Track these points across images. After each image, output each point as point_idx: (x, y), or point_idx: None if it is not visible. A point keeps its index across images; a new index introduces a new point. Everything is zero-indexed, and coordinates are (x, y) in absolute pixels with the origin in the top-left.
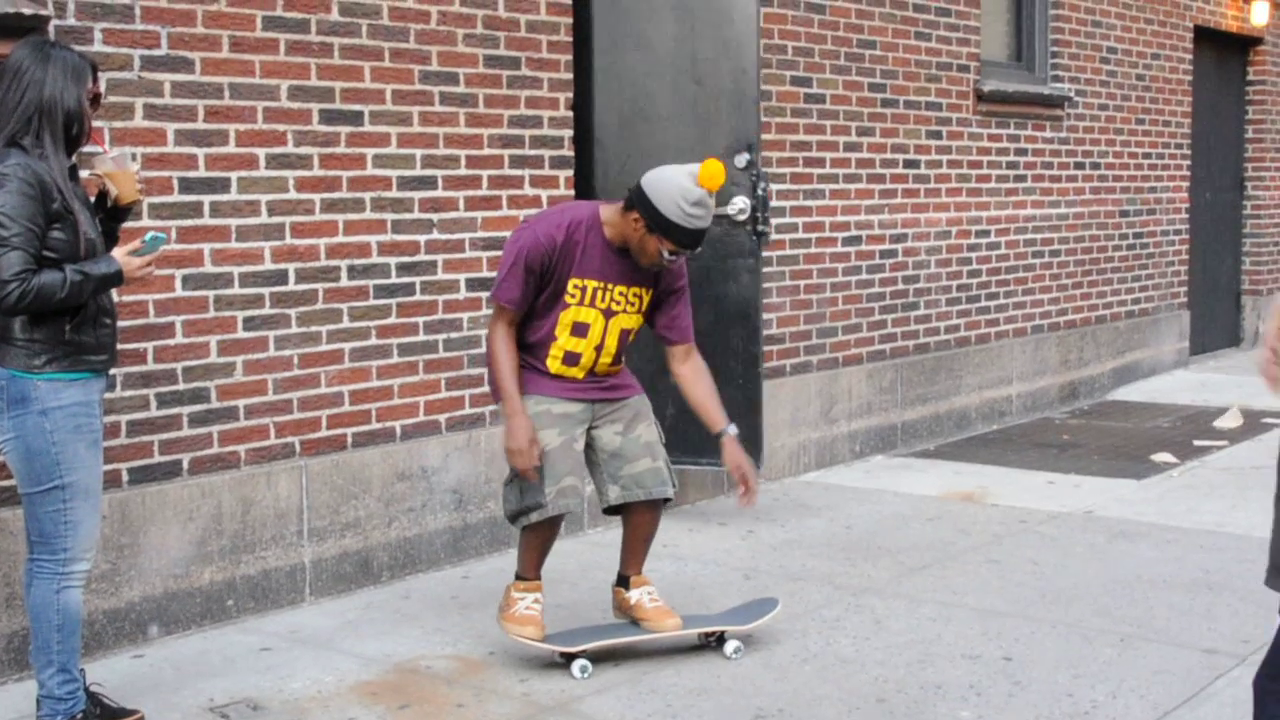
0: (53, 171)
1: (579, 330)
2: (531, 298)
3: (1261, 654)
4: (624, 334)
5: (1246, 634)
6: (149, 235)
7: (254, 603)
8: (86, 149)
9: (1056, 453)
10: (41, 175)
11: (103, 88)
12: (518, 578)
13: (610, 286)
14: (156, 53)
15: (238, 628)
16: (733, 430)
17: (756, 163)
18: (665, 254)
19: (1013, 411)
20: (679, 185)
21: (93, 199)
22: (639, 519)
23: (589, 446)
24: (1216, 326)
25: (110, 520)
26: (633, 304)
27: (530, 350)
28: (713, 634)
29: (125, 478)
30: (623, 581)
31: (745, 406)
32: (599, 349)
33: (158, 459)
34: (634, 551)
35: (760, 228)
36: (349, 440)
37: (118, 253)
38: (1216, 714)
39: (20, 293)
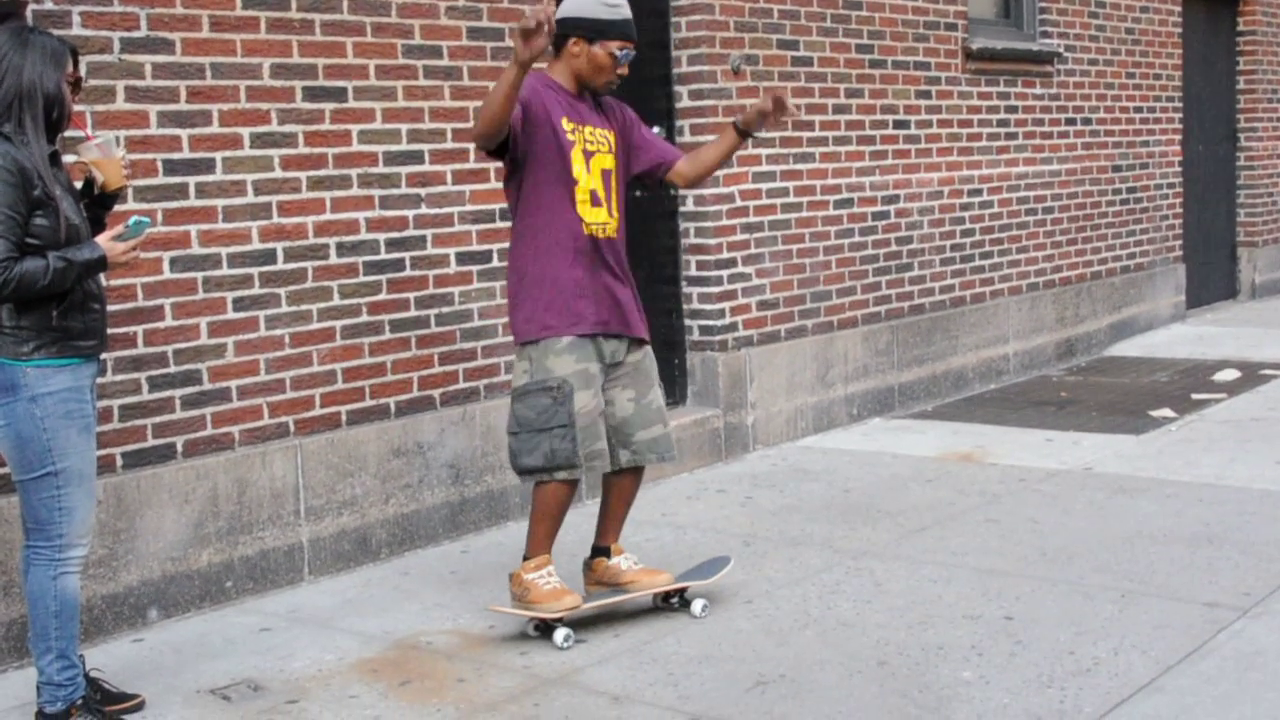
0: (34, 158)
1: (588, 165)
2: (516, 159)
3: (1263, 606)
4: (605, 175)
5: (1248, 586)
6: (132, 220)
7: (253, 583)
8: (70, 134)
9: (1055, 410)
10: (22, 162)
11: (83, 72)
12: (525, 558)
13: (583, 127)
14: (136, 34)
15: (237, 609)
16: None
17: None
18: (616, 54)
19: (1010, 370)
20: None
21: (79, 185)
22: (628, 482)
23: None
24: (1213, 279)
25: (106, 505)
26: (603, 144)
27: (559, 209)
28: (672, 594)
29: (119, 462)
30: (602, 553)
31: (669, 354)
32: (605, 185)
33: (151, 442)
34: (615, 517)
35: (674, 193)
36: (343, 418)
37: (101, 238)
38: (1219, 667)
39: (2, 281)
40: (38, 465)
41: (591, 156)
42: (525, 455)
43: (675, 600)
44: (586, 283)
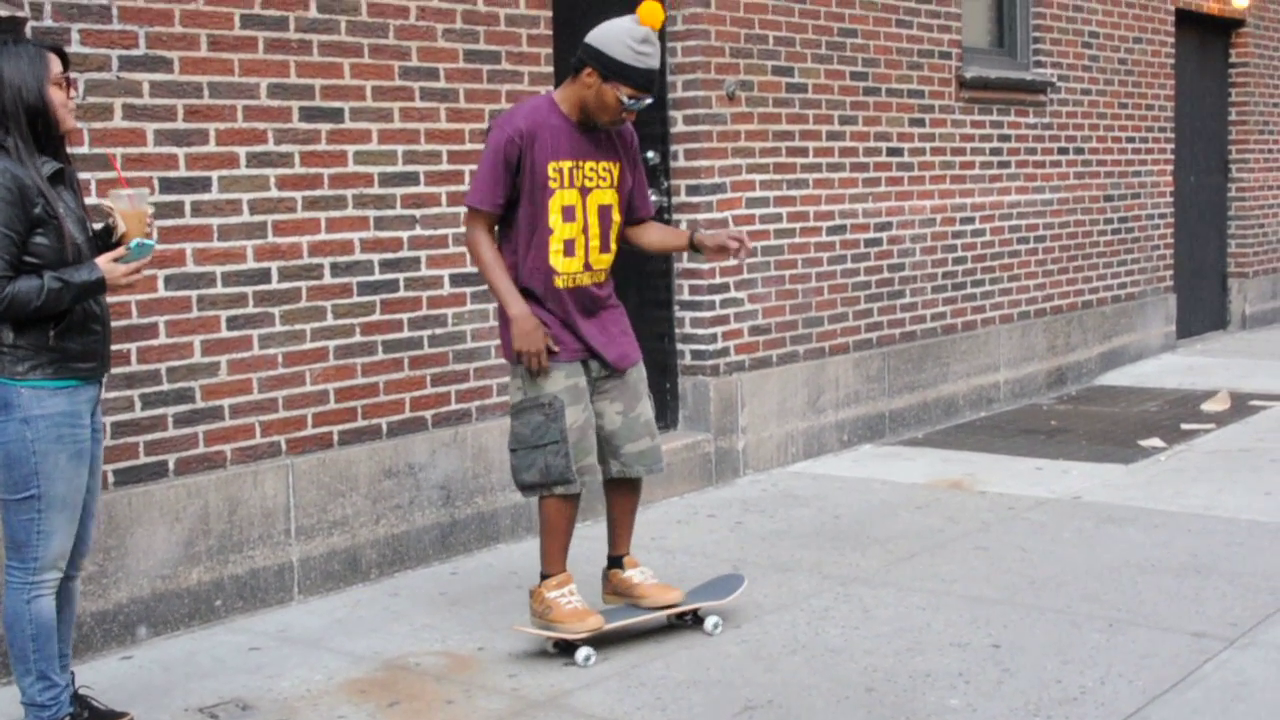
0: (33, 175)
1: (568, 214)
2: (507, 195)
3: (1250, 637)
4: (603, 211)
5: (1235, 617)
6: (134, 242)
7: (242, 602)
8: (106, 175)
9: (1044, 439)
10: (22, 179)
11: (74, 74)
12: (543, 577)
13: (581, 163)
14: (135, 53)
15: (226, 628)
16: (696, 228)
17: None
18: (624, 100)
19: (1001, 398)
20: (624, 28)
21: (97, 228)
22: (627, 494)
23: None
24: (1203, 310)
25: (97, 522)
26: (604, 179)
27: (532, 255)
28: (686, 613)
29: (111, 479)
30: (617, 564)
31: (661, 378)
32: (585, 231)
33: (143, 460)
34: (623, 526)
35: (668, 217)
36: (335, 438)
37: (102, 260)
38: (1205, 697)
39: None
40: (22, 487)
41: (589, 193)
42: (523, 472)
43: (689, 618)
44: (564, 320)
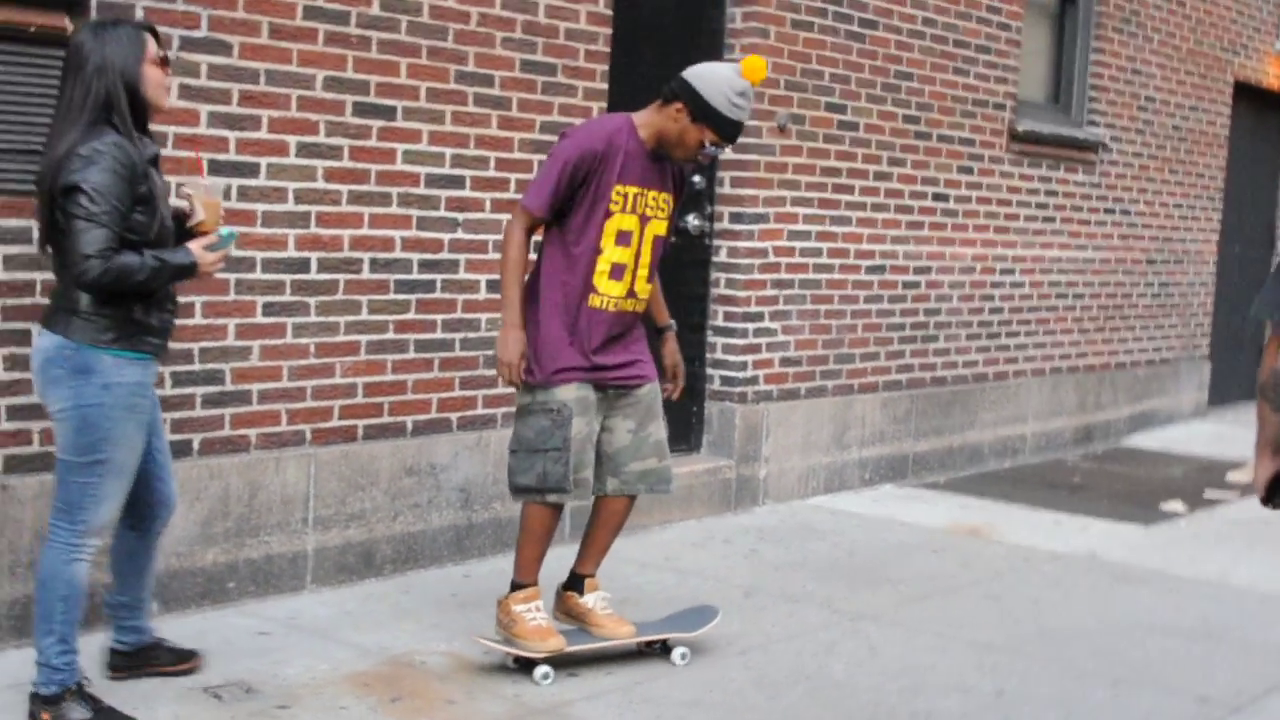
0: (139, 153)
1: (623, 239)
2: (560, 206)
3: (1255, 706)
4: (656, 242)
5: (1241, 685)
6: (225, 230)
7: (255, 587)
8: (182, 161)
9: (1066, 494)
10: (133, 156)
11: (169, 51)
12: (515, 586)
13: (646, 192)
14: (196, 34)
15: (237, 610)
16: (673, 326)
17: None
18: (707, 144)
19: (1026, 450)
20: (726, 76)
21: (172, 213)
22: (616, 508)
23: (597, 437)
24: (1237, 379)
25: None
26: (663, 209)
27: (573, 269)
28: (655, 642)
29: None
30: (576, 584)
31: (688, 401)
32: (637, 258)
33: (169, 437)
34: (599, 545)
35: (709, 242)
36: (359, 432)
37: (194, 246)
38: None
39: (102, 269)
40: (90, 450)
41: (648, 222)
42: (520, 474)
43: (657, 646)
44: (581, 346)
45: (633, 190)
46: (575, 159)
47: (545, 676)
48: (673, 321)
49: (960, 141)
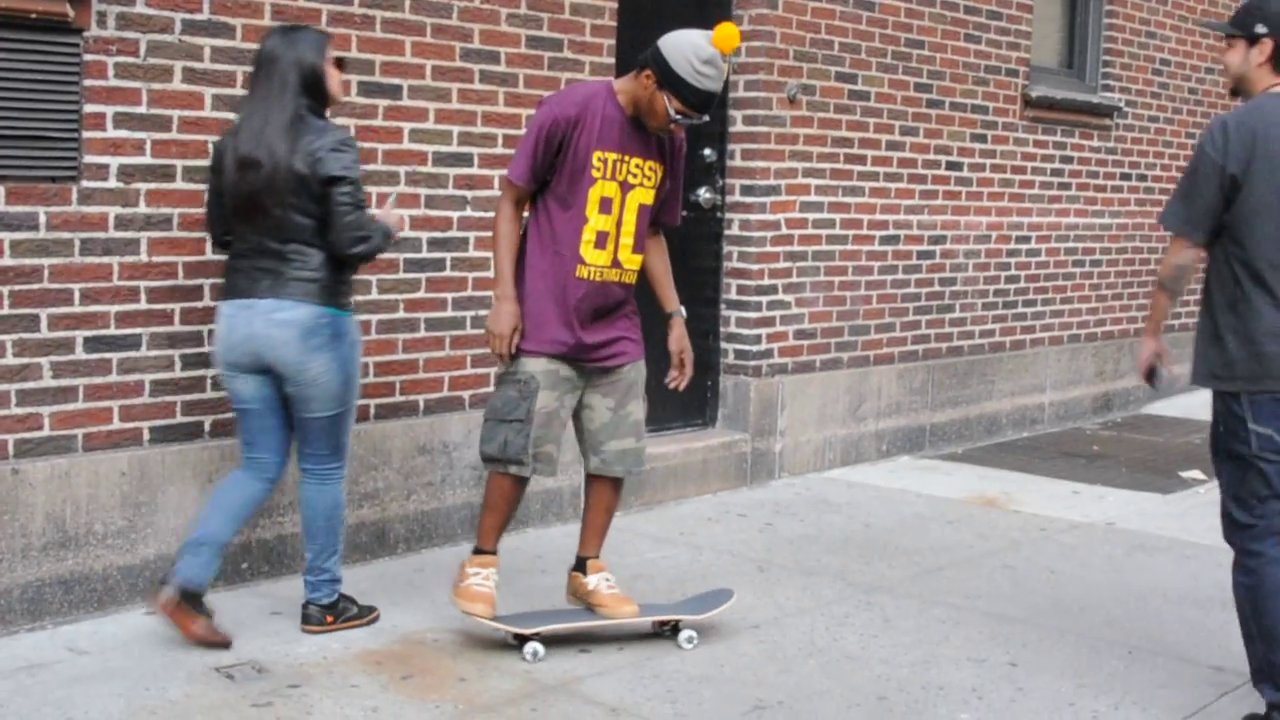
0: None
1: (605, 206)
2: (541, 174)
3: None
4: (641, 211)
5: None
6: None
7: (268, 567)
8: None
9: (1084, 463)
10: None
11: (338, 52)
12: (475, 551)
13: (627, 159)
14: (198, 17)
15: (251, 591)
16: (682, 313)
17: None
18: (672, 113)
19: (1044, 420)
20: (692, 42)
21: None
22: (604, 492)
23: (576, 413)
24: None
25: (129, 478)
26: (649, 178)
27: (562, 242)
28: (667, 622)
29: (146, 436)
30: (580, 566)
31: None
32: (619, 225)
33: (180, 419)
34: (596, 527)
35: (721, 215)
36: (371, 411)
37: (388, 218)
38: None
39: (374, 245)
40: (348, 399)
41: (630, 190)
42: (485, 443)
43: (667, 629)
44: (565, 320)
45: (612, 156)
46: (550, 125)
47: (534, 654)
48: (681, 308)
49: (973, 109)
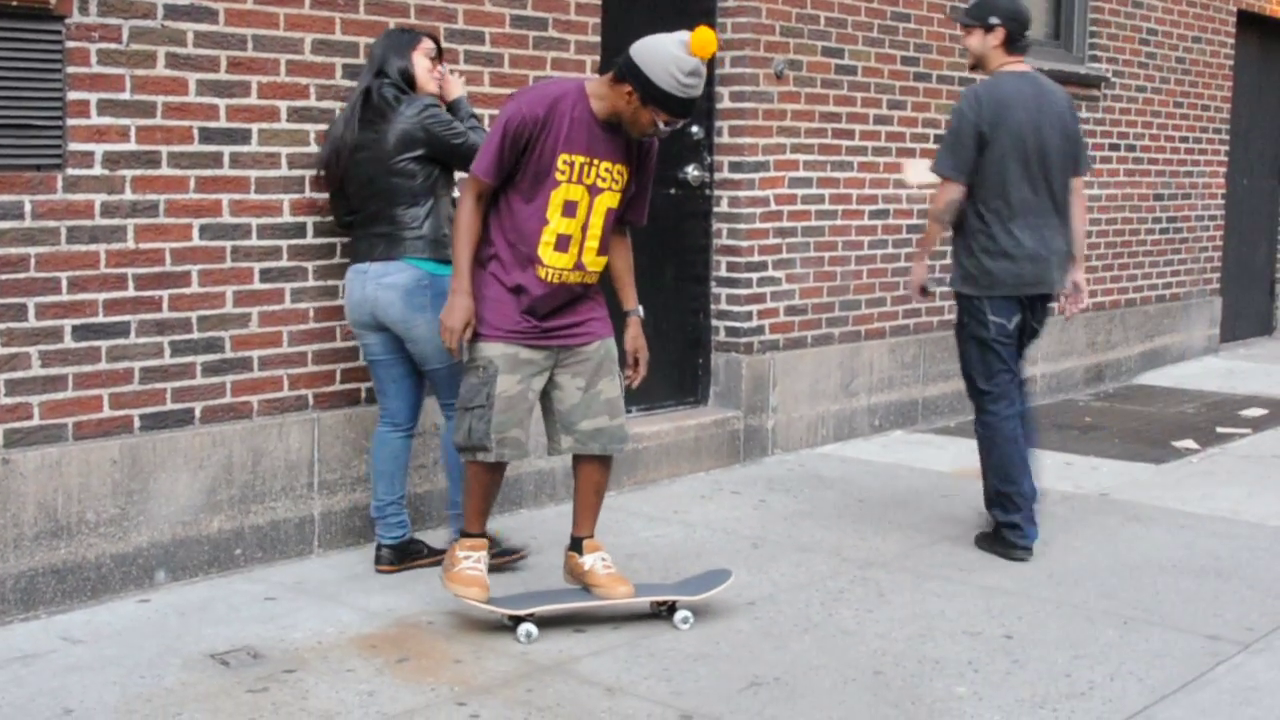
0: None
1: (569, 210)
2: (507, 171)
3: (1265, 642)
4: (608, 214)
5: (1251, 622)
6: None
7: (262, 553)
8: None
9: (1078, 434)
10: None
11: (433, 46)
12: (463, 535)
13: (596, 162)
14: (180, 2)
15: (244, 577)
16: (639, 312)
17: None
18: (661, 125)
19: (1037, 392)
20: (672, 56)
21: None
22: (591, 471)
23: (547, 394)
24: (1248, 314)
25: (120, 465)
26: (616, 181)
27: (521, 239)
28: (664, 603)
29: (137, 423)
30: (576, 546)
31: (694, 353)
32: (585, 229)
33: (170, 406)
34: (586, 507)
35: (709, 192)
36: (362, 395)
37: (455, 90)
38: (1214, 699)
39: (474, 141)
40: (450, 353)
41: (598, 194)
42: (455, 431)
43: (664, 609)
44: (526, 308)
45: (579, 159)
46: (516, 124)
47: (528, 635)
48: (639, 307)
49: (961, 82)
